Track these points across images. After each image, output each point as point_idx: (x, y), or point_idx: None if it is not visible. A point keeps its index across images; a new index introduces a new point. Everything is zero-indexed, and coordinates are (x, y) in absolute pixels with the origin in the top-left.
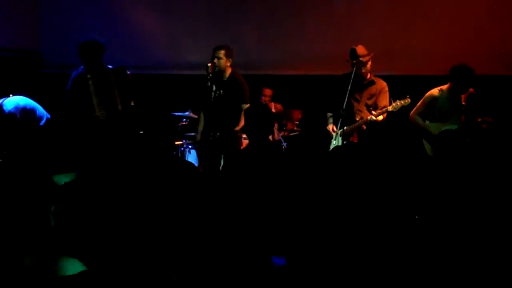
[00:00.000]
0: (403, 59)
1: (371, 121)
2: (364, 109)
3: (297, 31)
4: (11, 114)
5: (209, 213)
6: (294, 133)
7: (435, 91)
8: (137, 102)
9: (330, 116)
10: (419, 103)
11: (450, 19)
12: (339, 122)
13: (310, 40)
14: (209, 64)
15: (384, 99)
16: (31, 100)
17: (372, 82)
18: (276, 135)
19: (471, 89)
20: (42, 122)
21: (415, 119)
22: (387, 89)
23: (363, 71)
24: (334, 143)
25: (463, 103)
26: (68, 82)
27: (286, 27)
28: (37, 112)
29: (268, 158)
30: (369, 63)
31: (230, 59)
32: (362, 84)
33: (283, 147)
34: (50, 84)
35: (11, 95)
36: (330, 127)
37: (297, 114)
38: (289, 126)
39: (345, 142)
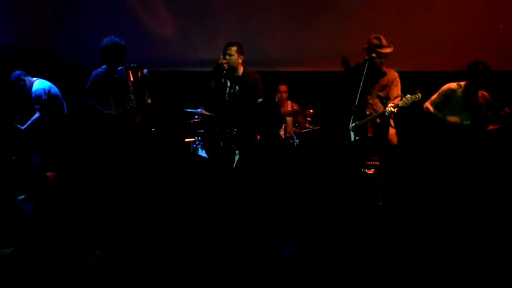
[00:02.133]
0: (412, 55)
1: (390, 113)
2: (377, 101)
3: (309, 27)
4: (38, 93)
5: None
6: (306, 130)
7: (453, 85)
8: (154, 99)
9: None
10: (435, 95)
11: (459, 15)
12: (352, 117)
13: (323, 37)
14: (223, 61)
15: (396, 90)
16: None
17: (384, 73)
18: (289, 132)
19: (486, 94)
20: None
21: (429, 109)
22: (398, 79)
23: (383, 61)
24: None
25: (480, 102)
26: (87, 81)
27: (299, 23)
28: (63, 106)
29: (281, 154)
30: None
31: (242, 56)
32: (375, 75)
33: (296, 143)
34: (62, 82)
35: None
36: None
37: (309, 111)
38: (302, 122)
39: (357, 138)
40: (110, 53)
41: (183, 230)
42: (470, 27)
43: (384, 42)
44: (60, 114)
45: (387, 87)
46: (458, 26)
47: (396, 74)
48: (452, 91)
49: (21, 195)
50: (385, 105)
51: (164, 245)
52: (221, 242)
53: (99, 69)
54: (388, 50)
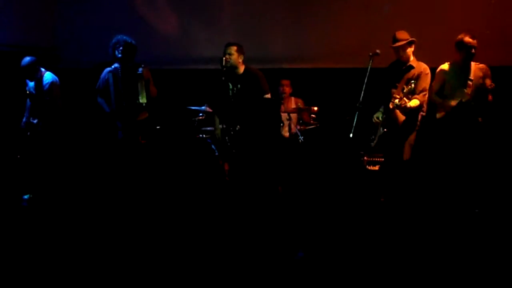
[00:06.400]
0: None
1: (395, 106)
2: (402, 95)
3: (312, 24)
4: (47, 86)
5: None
6: (310, 127)
7: (444, 65)
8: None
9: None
10: (433, 82)
11: (466, 10)
12: (356, 115)
13: (326, 34)
14: (223, 58)
15: (422, 83)
16: None
17: (410, 67)
18: (293, 129)
19: (482, 66)
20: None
21: (434, 99)
22: (427, 71)
23: (401, 55)
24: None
25: (472, 77)
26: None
27: (301, 20)
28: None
29: (284, 151)
30: (409, 48)
31: (242, 56)
32: (401, 69)
33: (300, 140)
34: (66, 80)
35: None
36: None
37: (313, 108)
38: (306, 119)
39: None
40: (127, 53)
41: (188, 229)
42: (477, 22)
43: (397, 36)
44: (60, 110)
45: (413, 80)
46: (465, 21)
47: (425, 66)
48: (443, 70)
49: (26, 194)
50: (410, 100)
51: (167, 244)
52: (226, 243)
53: (109, 68)
54: (391, 44)
